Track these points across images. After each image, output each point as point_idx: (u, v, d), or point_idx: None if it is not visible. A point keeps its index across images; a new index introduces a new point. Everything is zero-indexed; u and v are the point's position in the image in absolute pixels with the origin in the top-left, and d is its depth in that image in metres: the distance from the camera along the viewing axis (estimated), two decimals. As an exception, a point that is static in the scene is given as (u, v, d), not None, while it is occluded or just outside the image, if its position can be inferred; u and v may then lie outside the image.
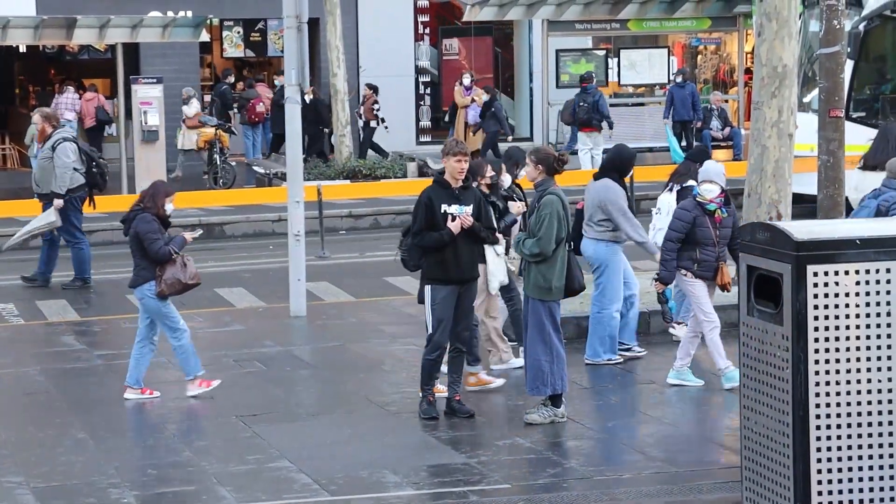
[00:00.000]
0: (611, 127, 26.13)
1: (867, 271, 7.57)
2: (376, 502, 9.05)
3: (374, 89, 27.88)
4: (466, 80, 27.31)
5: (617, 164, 12.56)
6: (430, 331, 10.97)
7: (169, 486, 9.49)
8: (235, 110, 30.48)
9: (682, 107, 26.69)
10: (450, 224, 10.69)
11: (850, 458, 7.58)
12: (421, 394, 11.04)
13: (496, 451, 10.11)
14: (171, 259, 11.55)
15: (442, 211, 10.83)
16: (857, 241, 7.61)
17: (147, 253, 11.50)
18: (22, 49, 31.34)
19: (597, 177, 12.60)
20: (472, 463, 9.88)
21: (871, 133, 21.59)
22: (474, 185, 11.24)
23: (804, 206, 17.75)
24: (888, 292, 7.59)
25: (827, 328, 7.53)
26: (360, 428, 10.79)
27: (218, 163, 26.53)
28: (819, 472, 7.56)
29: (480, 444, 10.30)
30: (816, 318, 7.53)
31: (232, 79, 30.60)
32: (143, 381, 11.79)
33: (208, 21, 28.97)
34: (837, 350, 7.55)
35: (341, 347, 13.74)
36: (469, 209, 10.89)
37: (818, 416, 7.55)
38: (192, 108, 27.63)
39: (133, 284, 11.73)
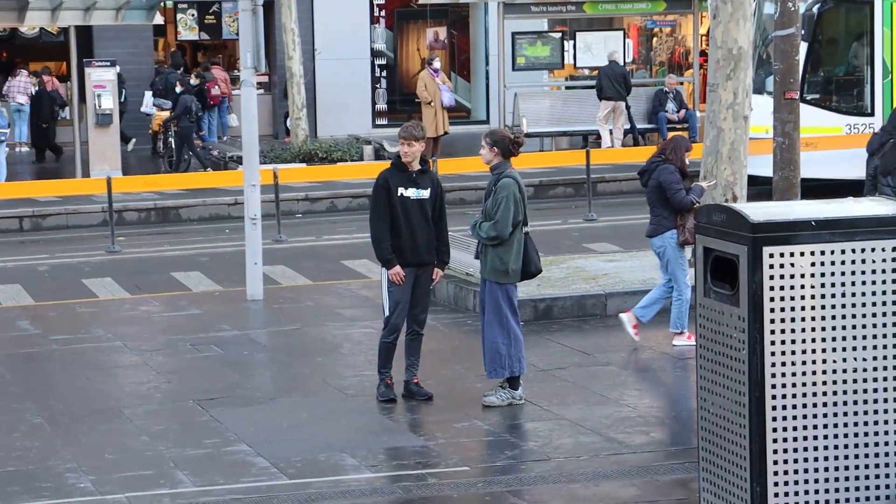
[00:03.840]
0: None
1: (822, 252, 7.62)
2: (335, 485, 9.06)
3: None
4: (437, 64, 27.27)
5: None
6: (386, 313, 10.97)
7: (126, 470, 9.46)
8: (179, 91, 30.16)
9: None
10: (391, 272, 10.77)
11: (805, 439, 7.64)
12: (378, 377, 11.03)
13: (454, 434, 10.13)
14: (692, 208, 11.97)
15: (399, 194, 10.82)
16: (813, 223, 7.65)
17: (669, 202, 12.12)
18: (-27, 32, 31.08)
19: None
20: (431, 445, 9.89)
21: (825, 115, 21.76)
22: None
23: (759, 188, 17.85)
24: (843, 273, 7.64)
25: (783, 309, 7.58)
26: (317, 411, 10.78)
27: (172, 146, 26.39)
28: (775, 451, 7.61)
29: (438, 427, 10.32)
30: (772, 299, 7.57)
31: (181, 70, 30.30)
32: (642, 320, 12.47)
33: (162, 4, 28.81)
34: (793, 331, 7.60)
35: (299, 331, 13.73)
36: (426, 193, 10.88)
37: (774, 397, 7.60)
38: None
39: (652, 234, 12.38)
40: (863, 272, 7.64)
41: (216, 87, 29.84)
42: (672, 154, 12.38)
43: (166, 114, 27.09)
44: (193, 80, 28.41)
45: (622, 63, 27.51)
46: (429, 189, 10.89)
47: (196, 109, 25.94)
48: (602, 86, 26.68)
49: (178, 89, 26.33)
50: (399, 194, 10.81)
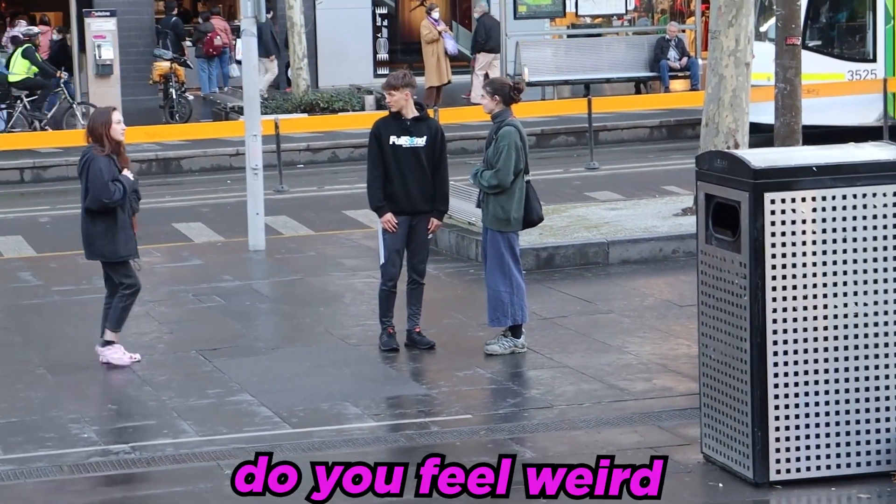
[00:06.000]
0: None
1: (823, 198, 7.62)
2: (338, 434, 9.08)
3: None
4: (436, 14, 27.16)
5: None
6: (381, 261, 10.99)
7: (129, 420, 9.48)
8: (190, 43, 30.22)
9: None
10: (382, 220, 10.78)
11: (806, 384, 7.66)
12: (380, 326, 11.05)
13: (457, 382, 10.15)
14: None
15: (391, 142, 10.80)
16: (814, 169, 7.65)
17: None
18: (-28, -17, 30.96)
19: None
20: (433, 394, 9.92)
21: (827, 61, 21.66)
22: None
23: (761, 136, 17.80)
24: (844, 219, 7.64)
25: (784, 255, 7.59)
26: (320, 361, 10.80)
27: (174, 97, 26.32)
28: (776, 397, 7.64)
29: (441, 376, 10.33)
30: (774, 245, 7.58)
31: (175, 11, 30.29)
32: None
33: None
34: (794, 277, 7.61)
35: (301, 281, 13.74)
36: (421, 141, 10.84)
37: (775, 343, 7.62)
38: None
39: None
40: (864, 217, 7.64)
41: (217, 37, 29.75)
42: None
43: (167, 65, 26.99)
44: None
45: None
46: (424, 137, 10.84)
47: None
48: (489, 37, 26.70)
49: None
50: (391, 143, 10.79)
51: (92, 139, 10.65)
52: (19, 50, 24.94)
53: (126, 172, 10.71)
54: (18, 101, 24.61)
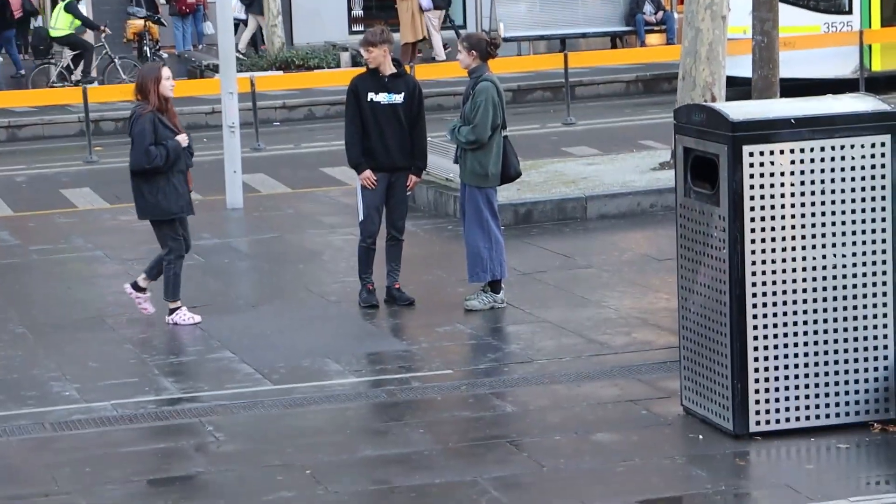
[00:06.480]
0: None
1: (802, 150, 7.64)
2: (319, 390, 9.11)
3: None
4: None
5: None
6: (360, 218, 11.00)
7: (110, 378, 9.49)
8: (164, 1, 30.04)
9: None
10: (361, 176, 10.73)
11: (785, 336, 7.71)
12: (360, 282, 11.06)
13: (437, 338, 10.18)
14: None
15: (369, 99, 10.79)
16: (792, 121, 7.67)
17: None
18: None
19: None
20: (414, 349, 9.95)
21: (803, 14, 21.66)
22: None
23: (738, 89, 17.82)
24: (822, 170, 7.67)
25: (763, 207, 7.62)
26: (300, 317, 10.81)
27: (148, 55, 26.18)
28: (756, 349, 7.69)
29: (421, 332, 10.36)
30: (752, 197, 7.61)
31: None
32: None
33: None
34: (773, 229, 7.64)
35: (279, 238, 13.73)
36: (399, 97, 10.82)
37: (755, 295, 7.66)
38: None
39: None
40: (842, 169, 7.67)
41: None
42: None
43: (141, 22, 26.83)
44: None
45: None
46: (402, 93, 10.83)
47: None
48: None
49: None
50: (369, 99, 10.78)
51: (140, 96, 10.62)
52: (61, 4, 24.59)
53: (180, 137, 10.65)
54: (61, 57, 24.29)
